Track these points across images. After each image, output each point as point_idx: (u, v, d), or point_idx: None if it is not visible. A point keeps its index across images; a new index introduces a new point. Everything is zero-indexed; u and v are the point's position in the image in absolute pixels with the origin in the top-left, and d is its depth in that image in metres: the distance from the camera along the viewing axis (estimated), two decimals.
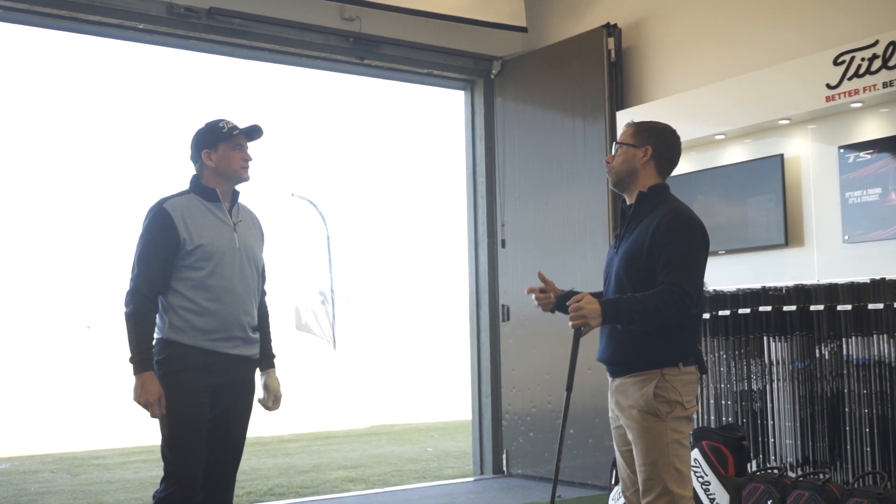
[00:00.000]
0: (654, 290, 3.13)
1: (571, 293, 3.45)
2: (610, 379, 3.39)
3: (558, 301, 3.47)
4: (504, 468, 7.49)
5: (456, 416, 13.30)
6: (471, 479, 7.62)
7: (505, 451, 7.50)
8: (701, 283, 3.24)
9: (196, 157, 3.87)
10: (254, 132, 3.93)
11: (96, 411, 16.28)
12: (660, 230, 3.20)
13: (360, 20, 6.99)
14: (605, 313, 3.11)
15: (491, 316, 7.66)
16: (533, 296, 3.48)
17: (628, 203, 3.45)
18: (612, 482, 5.80)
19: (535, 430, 7.21)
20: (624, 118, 6.32)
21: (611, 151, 3.49)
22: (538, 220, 7.28)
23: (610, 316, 3.13)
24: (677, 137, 3.47)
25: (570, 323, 3.18)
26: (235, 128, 3.87)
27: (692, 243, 3.21)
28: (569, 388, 3.44)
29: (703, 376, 5.75)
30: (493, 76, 7.69)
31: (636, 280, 3.24)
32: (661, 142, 3.41)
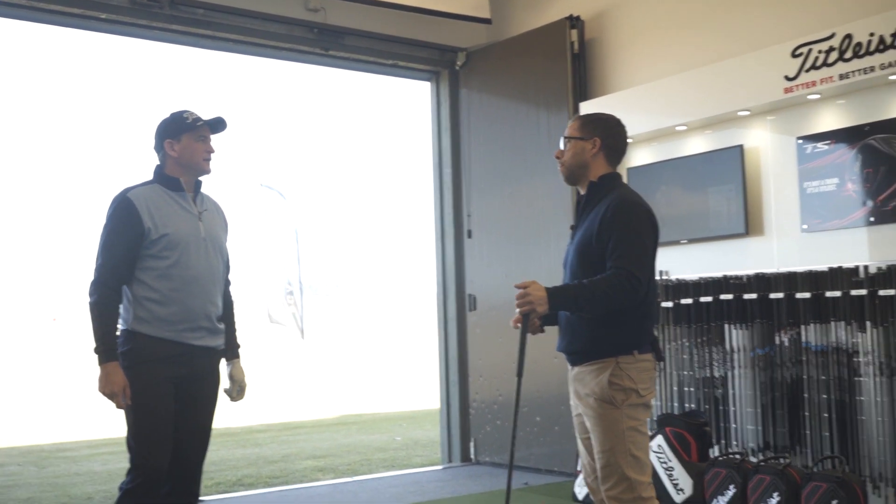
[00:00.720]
0: (602, 275, 3.16)
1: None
2: (569, 368, 3.44)
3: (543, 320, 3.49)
4: (472, 456, 7.55)
5: (424, 405, 13.36)
6: (439, 467, 7.67)
7: (472, 439, 7.56)
8: (649, 266, 3.26)
9: (159, 146, 3.86)
10: (217, 125, 3.91)
11: (63, 403, 16.15)
12: (606, 217, 3.23)
13: (325, 11, 6.98)
14: (552, 299, 3.15)
15: (458, 306, 7.71)
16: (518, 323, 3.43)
17: (581, 194, 3.49)
18: (578, 469, 5.88)
19: (501, 419, 7.27)
20: (587, 109, 6.38)
21: (559, 146, 3.51)
22: (504, 210, 7.33)
23: (557, 302, 3.17)
24: (623, 126, 3.51)
25: (518, 310, 3.22)
26: (199, 119, 3.86)
27: (638, 228, 3.24)
28: (519, 374, 3.48)
29: (662, 364, 5.85)
30: (457, 67, 7.72)
31: (588, 269, 3.26)
32: (607, 132, 3.45)
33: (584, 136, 3.43)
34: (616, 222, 3.21)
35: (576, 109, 6.70)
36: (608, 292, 3.12)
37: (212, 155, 3.90)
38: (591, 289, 3.14)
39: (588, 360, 3.30)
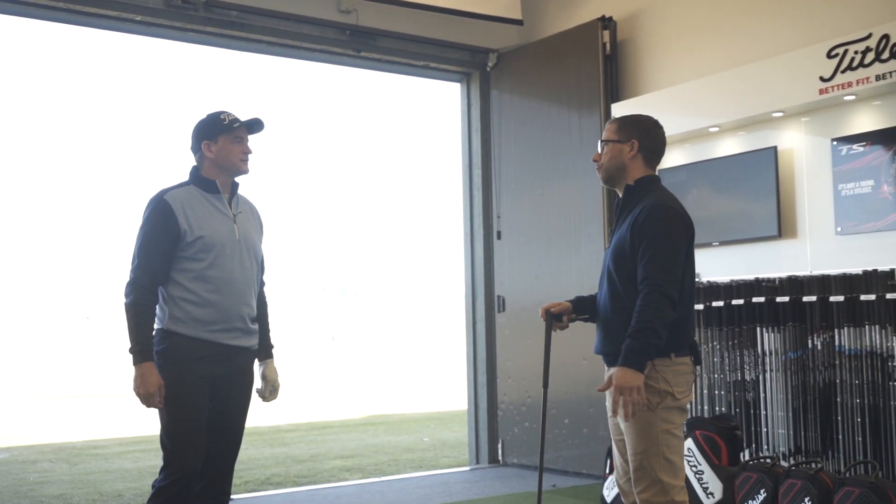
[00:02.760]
0: (637, 306, 3.15)
1: (578, 300, 3.58)
2: (606, 369, 3.43)
3: (576, 313, 3.56)
4: (500, 457, 7.54)
5: (452, 406, 13.36)
6: (467, 468, 7.67)
7: (500, 440, 7.55)
8: (678, 270, 3.23)
9: (196, 147, 3.87)
10: (255, 125, 3.92)
11: (95, 401, 16.32)
12: (637, 223, 3.23)
13: (357, 13, 7.01)
14: (634, 365, 3.13)
15: (486, 307, 7.70)
16: (542, 317, 3.55)
17: (619, 197, 3.48)
18: (607, 471, 5.85)
19: (530, 420, 7.25)
20: (619, 111, 6.36)
21: (597, 150, 3.51)
22: (534, 211, 7.32)
23: (635, 362, 3.13)
24: (661, 128, 3.50)
25: (623, 409, 3.16)
26: (236, 120, 3.87)
27: (669, 234, 3.22)
28: (545, 385, 3.48)
29: (700, 367, 5.80)
30: (489, 69, 7.72)
31: (623, 276, 3.27)
32: (645, 134, 3.43)
33: (621, 138, 3.42)
34: (646, 229, 3.21)
35: (607, 111, 6.68)
36: (651, 319, 3.11)
37: (249, 156, 3.92)
38: (641, 330, 3.12)
39: None
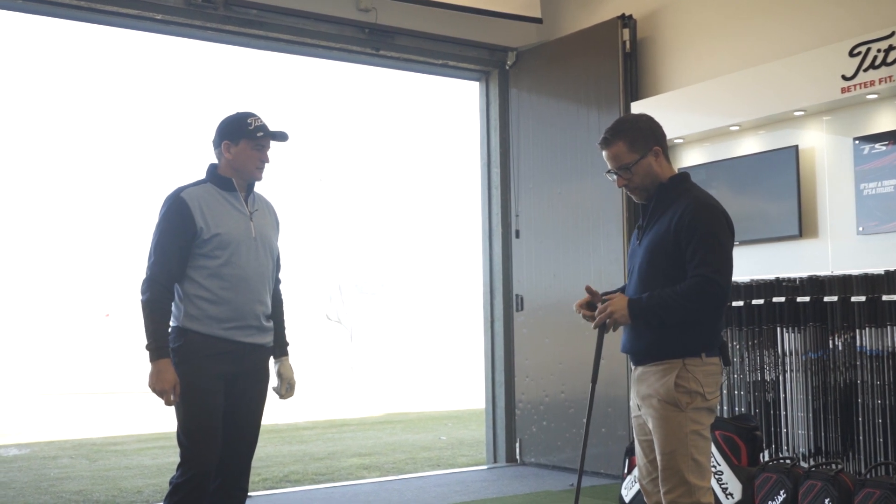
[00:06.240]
0: (682, 284, 3.14)
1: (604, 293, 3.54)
2: (633, 368, 3.40)
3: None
4: (517, 457, 7.53)
5: (469, 405, 13.36)
6: (484, 467, 7.66)
7: (518, 439, 7.54)
8: (729, 268, 3.23)
9: (218, 144, 3.88)
10: (278, 136, 3.91)
11: (114, 398, 16.42)
12: (683, 222, 3.19)
13: (376, 11, 7.01)
14: (633, 310, 3.17)
15: (505, 306, 7.69)
16: (581, 313, 3.47)
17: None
18: (626, 471, 5.83)
19: (548, 419, 7.24)
20: (638, 109, 6.32)
21: (616, 176, 3.38)
22: (552, 210, 7.30)
23: (637, 313, 3.17)
24: (652, 118, 3.45)
25: (597, 318, 3.22)
26: (261, 129, 3.85)
27: (716, 231, 3.20)
28: (593, 381, 3.47)
29: (728, 368, 5.76)
30: (507, 67, 7.70)
31: (659, 273, 3.24)
32: (658, 135, 3.39)
33: (642, 153, 3.33)
34: (695, 227, 3.17)
35: (627, 109, 6.64)
36: (688, 304, 3.12)
37: (266, 164, 3.91)
38: (671, 300, 3.13)
39: (653, 360, 3.24)
